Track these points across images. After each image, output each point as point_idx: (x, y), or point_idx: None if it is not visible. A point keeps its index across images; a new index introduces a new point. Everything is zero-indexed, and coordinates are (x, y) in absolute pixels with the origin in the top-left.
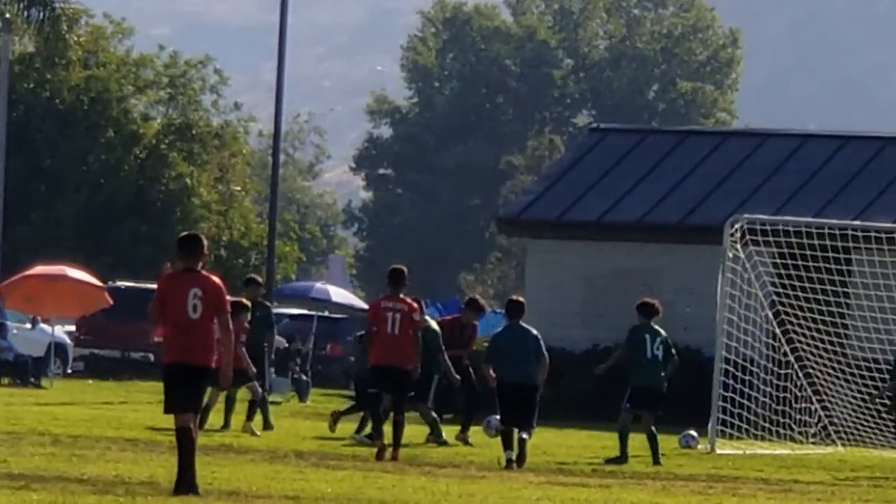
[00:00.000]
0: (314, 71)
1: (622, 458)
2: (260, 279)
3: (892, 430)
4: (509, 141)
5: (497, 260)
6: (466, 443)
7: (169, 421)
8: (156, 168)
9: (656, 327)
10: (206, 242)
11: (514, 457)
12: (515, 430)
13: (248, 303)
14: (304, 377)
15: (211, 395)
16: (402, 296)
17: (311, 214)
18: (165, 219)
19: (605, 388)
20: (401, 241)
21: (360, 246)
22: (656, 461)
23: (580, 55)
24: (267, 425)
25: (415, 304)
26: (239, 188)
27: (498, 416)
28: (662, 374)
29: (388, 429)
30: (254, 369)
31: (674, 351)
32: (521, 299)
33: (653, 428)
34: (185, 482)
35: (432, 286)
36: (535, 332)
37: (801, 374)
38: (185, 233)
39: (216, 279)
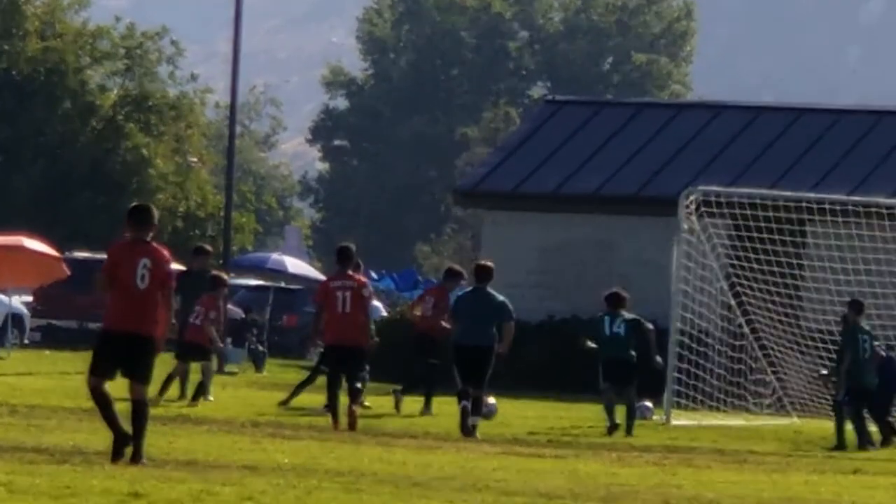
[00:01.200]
0: (270, 42)
1: (611, 427)
2: (209, 248)
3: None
4: (465, 113)
5: (453, 231)
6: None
7: (127, 391)
8: (112, 139)
9: (622, 313)
10: (156, 213)
11: (469, 406)
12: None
13: (226, 277)
14: (260, 348)
15: (179, 367)
16: (350, 272)
17: (267, 186)
18: (122, 190)
19: (561, 360)
20: (357, 213)
21: (316, 217)
22: (629, 432)
23: (535, 27)
24: (203, 396)
25: (364, 280)
26: (195, 159)
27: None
28: (628, 348)
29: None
30: (220, 344)
31: (642, 320)
32: (489, 264)
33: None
34: (122, 444)
35: (388, 257)
36: (501, 298)
37: (755, 346)
38: (135, 203)
39: (165, 252)
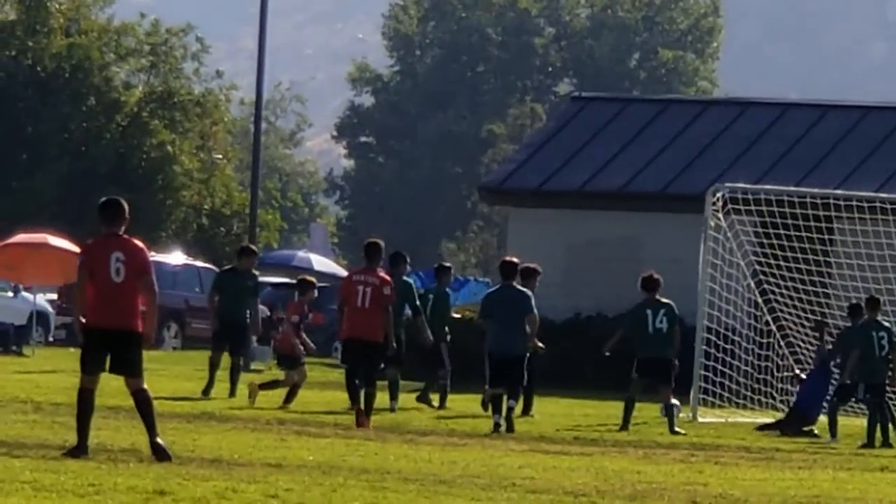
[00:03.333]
0: (295, 39)
1: (623, 426)
2: (255, 248)
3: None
4: (491, 109)
5: (479, 228)
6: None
7: (153, 388)
8: (137, 136)
9: (660, 299)
10: (126, 207)
11: (501, 421)
12: (504, 396)
13: (314, 280)
14: None
15: (288, 375)
16: (377, 269)
17: (292, 183)
18: (147, 187)
19: (587, 357)
20: (382, 210)
21: (341, 214)
22: (672, 430)
23: (561, 23)
24: (232, 392)
25: (387, 278)
26: (220, 156)
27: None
28: (668, 345)
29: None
30: (312, 345)
31: (677, 321)
32: (514, 260)
33: (672, 399)
34: (77, 453)
35: (414, 255)
36: (527, 292)
37: (782, 343)
38: (105, 198)
39: (138, 242)
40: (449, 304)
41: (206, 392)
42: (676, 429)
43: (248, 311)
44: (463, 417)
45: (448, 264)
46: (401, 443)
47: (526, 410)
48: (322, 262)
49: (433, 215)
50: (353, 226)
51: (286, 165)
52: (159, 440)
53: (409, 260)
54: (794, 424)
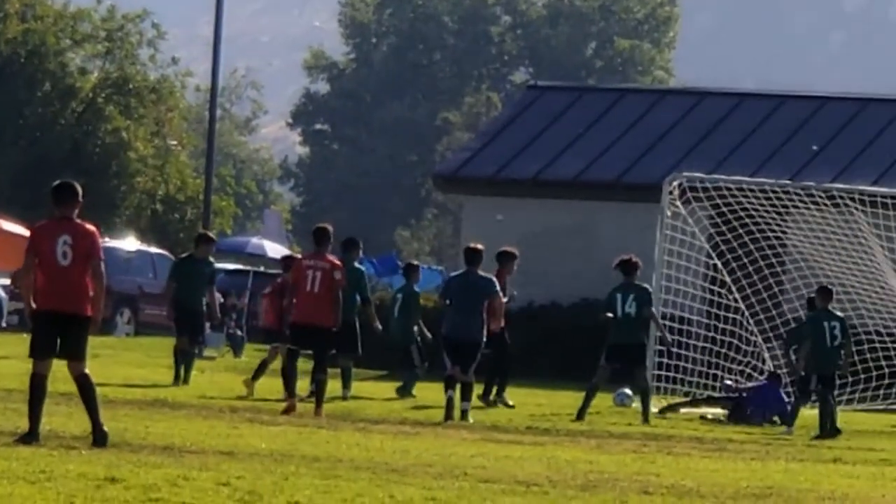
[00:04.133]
0: (251, 26)
1: (579, 414)
2: (213, 236)
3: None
4: (446, 98)
5: (433, 216)
6: (507, 405)
7: (105, 374)
8: (92, 122)
9: (635, 283)
10: (80, 190)
11: (454, 396)
12: (458, 395)
13: (300, 257)
14: (238, 332)
15: (270, 352)
16: (326, 254)
17: (247, 170)
18: (102, 173)
19: (540, 346)
20: (337, 197)
21: (296, 201)
22: (645, 419)
23: (518, 12)
24: (185, 380)
25: (338, 262)
26: (175, 143)
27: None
28: (638, 329)
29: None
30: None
31: (650, 305)
32: (479, 247)
33: (648, 382)
34: (28, 439)
35: (368, 242)
36: (490, 277)
37: (737, 333)
38: (58, 181)
39: (88, 226)
40: (419, 304)
41: (176, 381)
42: (649, 418)
43: (204, 299)
44: (417, 408)
45: (416, 262)
46: (353, 431)
47: (486, 394)
48: (276, 249)
49: (388, 203)
50: (307, 213)
51: (241, 152)
52: (104, 428)
53: (361, 246)
54: (724, 403)
